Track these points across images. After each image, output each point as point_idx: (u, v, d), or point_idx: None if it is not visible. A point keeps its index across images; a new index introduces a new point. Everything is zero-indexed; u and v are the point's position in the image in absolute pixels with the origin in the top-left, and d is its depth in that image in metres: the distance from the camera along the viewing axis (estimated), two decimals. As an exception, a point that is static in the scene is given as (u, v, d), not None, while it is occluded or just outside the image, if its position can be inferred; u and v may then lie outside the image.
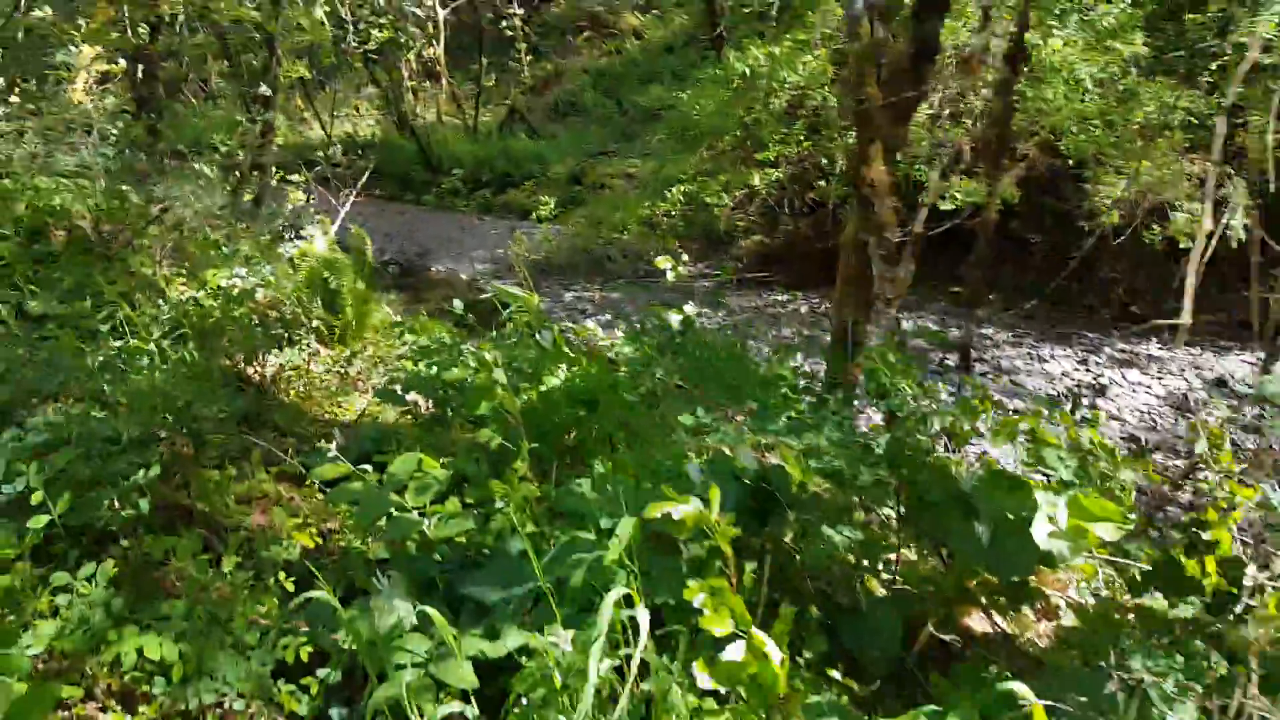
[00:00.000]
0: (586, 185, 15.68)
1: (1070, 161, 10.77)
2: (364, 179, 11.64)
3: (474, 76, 20.94)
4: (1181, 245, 10.04)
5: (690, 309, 3.68)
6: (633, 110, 18.85)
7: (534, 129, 19.62)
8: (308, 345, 4.17)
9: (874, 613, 2.43)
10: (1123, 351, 11.01)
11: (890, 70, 5.17)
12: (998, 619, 2.29)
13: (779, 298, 12.54)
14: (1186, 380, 10.10)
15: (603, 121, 19.18)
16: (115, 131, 6.00)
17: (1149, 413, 9.19)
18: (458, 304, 4.05)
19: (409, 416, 3.65)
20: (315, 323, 4.32)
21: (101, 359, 3.17)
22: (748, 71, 9.91)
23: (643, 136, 17.38)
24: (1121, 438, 8.51)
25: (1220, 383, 10.07)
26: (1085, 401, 9.44)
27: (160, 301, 3.78)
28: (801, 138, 10.28)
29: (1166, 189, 10.25)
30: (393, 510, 2.39)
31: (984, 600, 2.29)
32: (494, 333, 4.14)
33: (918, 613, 2.43)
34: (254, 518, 2.80)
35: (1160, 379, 10.14)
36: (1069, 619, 2.50)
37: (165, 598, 2.39)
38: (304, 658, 2.24)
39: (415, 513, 2.44)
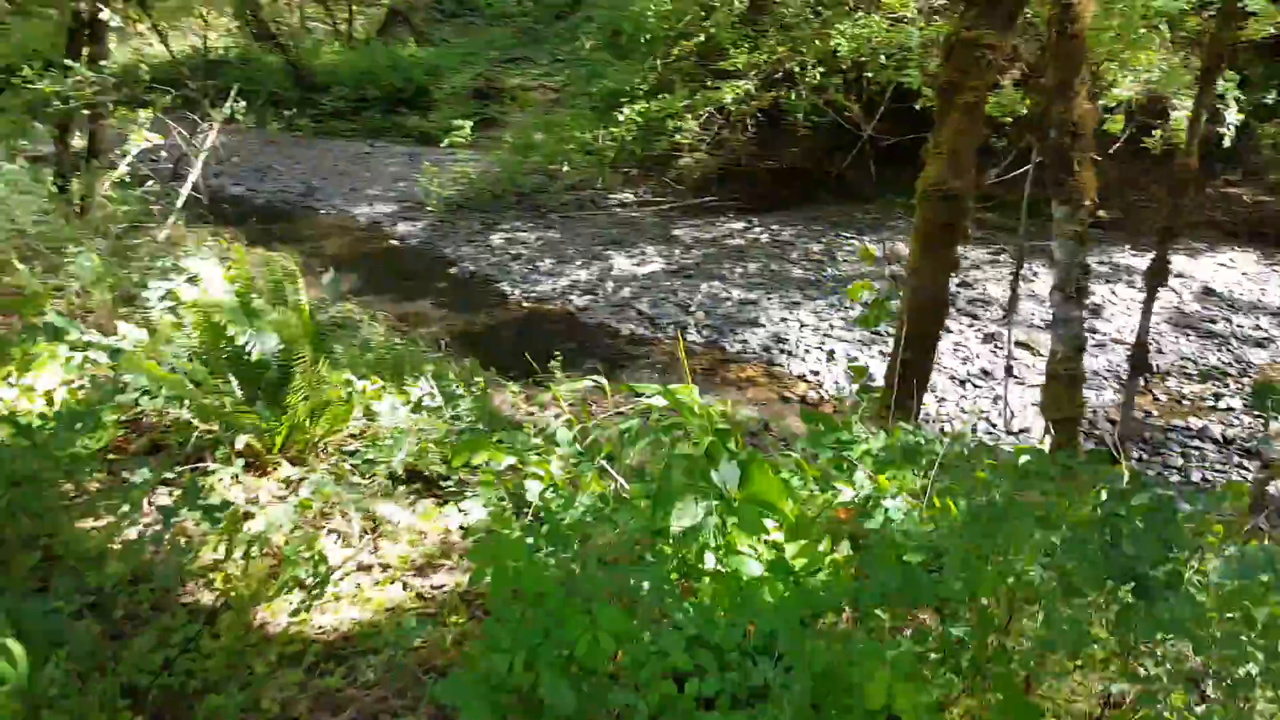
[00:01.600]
0: (497, 101, 13.62)
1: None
2: (228, 106, 9.39)
3: (341, -28, 18.11)
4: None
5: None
6: (534, 7, 16.61)
7: (421, 33, 17.14)
8: (229, 471, 2.43)
9: None
10: (1101, 264, 10.10)
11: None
12: None
13: (735, 225, 11.12)
14: (1175, 291, 9.26)
15: (501, 21, 16.87)
16: None
17: (1151, 332, 8.34)
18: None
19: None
20: (237, 436, 2.53)
21: None
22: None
23: (552, 40, 15.29)
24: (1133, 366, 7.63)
25: (1208, 291, 9.33)
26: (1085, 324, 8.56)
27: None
28: (775, 43, 8.70)
29: (1160, 86, 9.22)
30: None
31: None
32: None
33: None
34: None
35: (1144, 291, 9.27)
36: None
37: None
38: None
39: None
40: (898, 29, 8.24)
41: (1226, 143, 8.54)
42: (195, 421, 2.52)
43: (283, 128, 15.52)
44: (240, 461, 2.46)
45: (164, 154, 11.10)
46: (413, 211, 11.64)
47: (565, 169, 10.05)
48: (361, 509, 2.37)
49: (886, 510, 1.82)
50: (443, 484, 2.76)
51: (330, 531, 2.36)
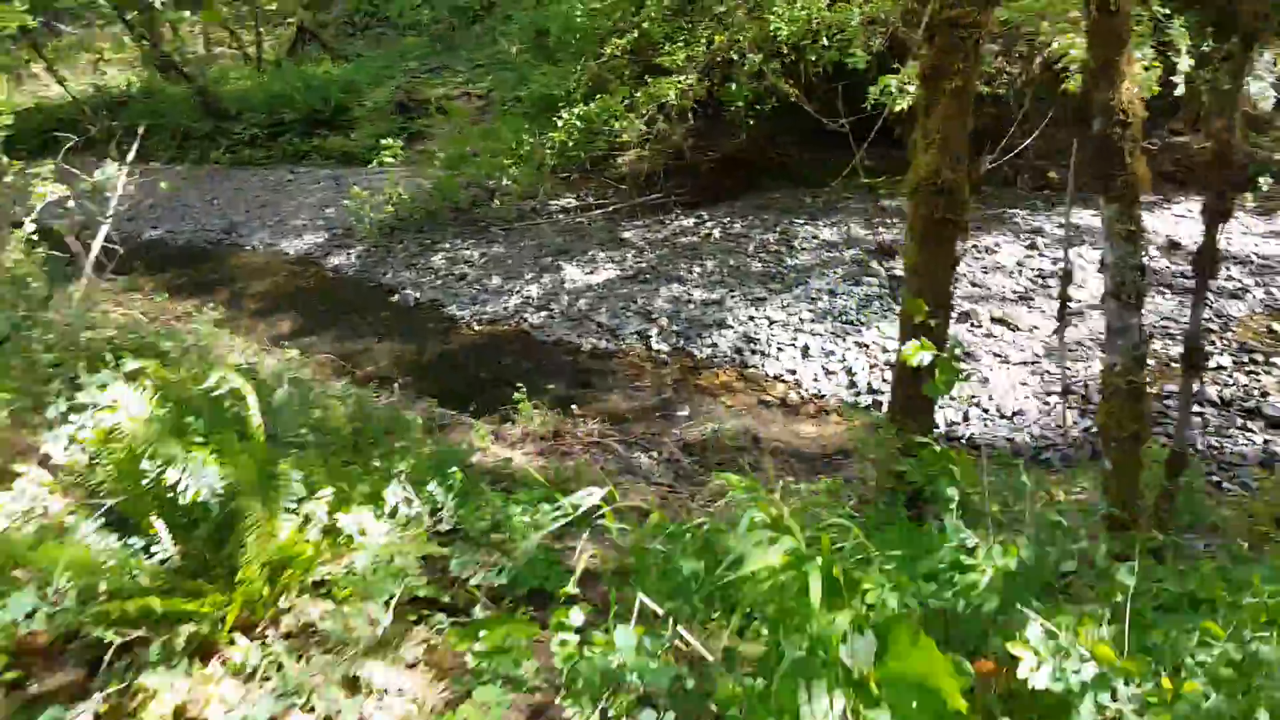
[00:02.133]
0: (421, 114, 13.03)
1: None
2: (135, 146, 8.68)
3: (243, -7, 17.27)
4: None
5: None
6: (447, 13, 16.00)
7: (332, 49, 16.41)
8: (167, 679, 1.85)
9: None
10: (1060, 226, 9.90)
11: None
12: None
13: (685, 222, 10.73)
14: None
15: (414, 30, 16.22)
16: None
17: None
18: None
19: None
20: (176, 628, 1.95)
21: None
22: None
23: (469, 45, 14.72)
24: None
25: (1173, 245, 9.21)
26: (1056, 294, 8.32)
27: None
28: (711, 33, 8.31)
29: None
30: None
31: None
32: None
33: None
34: None
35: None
36: None
37: None
38: None
39: None
40: (838, 8, 7.92)
41: (1179, 91, 8.38)
42: (111, 636, 1.95)
43: (196, 160, 14.74)
44: (182, 660, 1.93)
45: (71, 204, 10.36)
46: (345, 239, 11.03)
47: (505, 181, 9.54)
48: (343, 673, 1.90)
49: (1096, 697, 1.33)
50: (439, 603, 2.31)
51: (307, 709, 1.88)
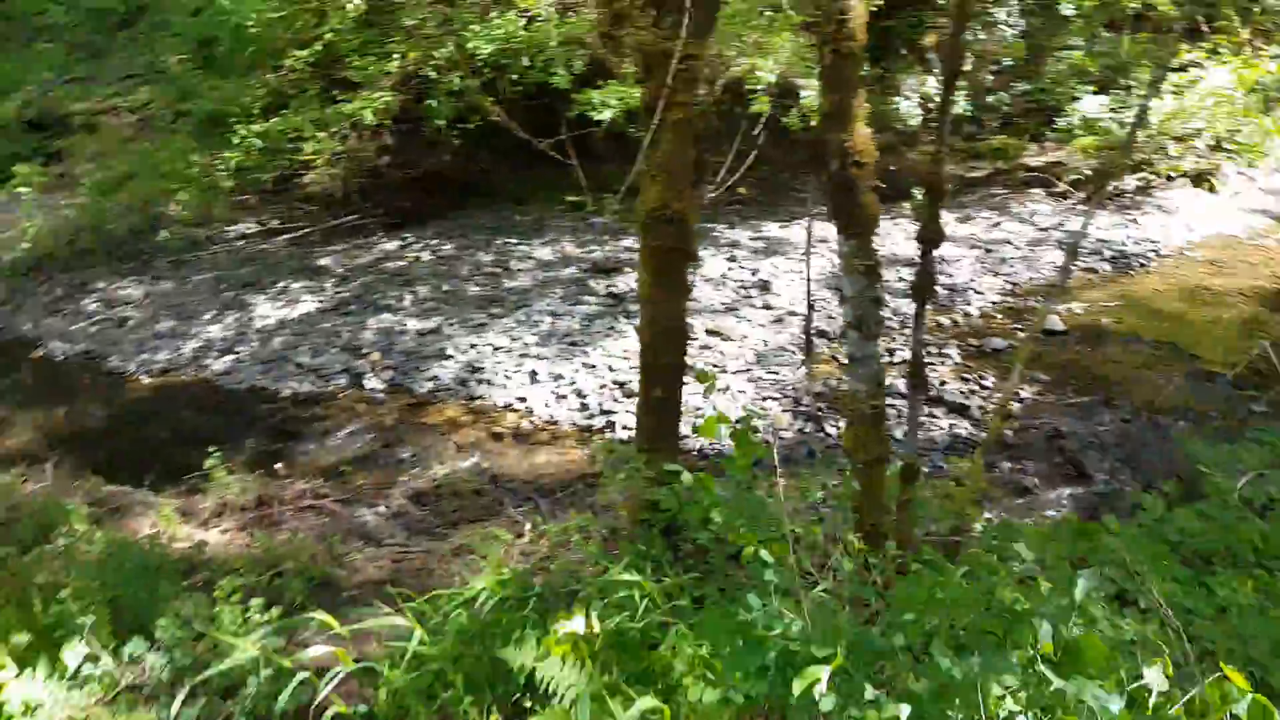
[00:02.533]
0: (61, 133, 11.12)
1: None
2: None
3: None
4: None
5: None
6: (88, 17, 13.84)
7: (-66, 56, 13.59)
8: None
9: None
10: (754, 238, 10.42)
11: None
12: None
13: (389, 245, 9.99)
14: (826, 257, 9.74)
15: (48, 35, 13.88)
16: None
17: (820, 302, 8.59)
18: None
19: None
20: None
21: None
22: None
23: (118, 53, 12.82)
24: (813, 335, 7.83)
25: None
26: (758, 303, 8.69)
27: None
28: (406, 49, 7.71)
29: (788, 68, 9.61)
30: None
31: None
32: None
33: None
34: None
35: (803, 261, 9.63)
36: None
37: None
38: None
39: None
40: (536, 28, 7.72)
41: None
42: None
43: None
44: None
45: None
46: (-39, 282, 9.05)
47: (172, 206, 8.29)
48: None
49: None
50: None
51: None
